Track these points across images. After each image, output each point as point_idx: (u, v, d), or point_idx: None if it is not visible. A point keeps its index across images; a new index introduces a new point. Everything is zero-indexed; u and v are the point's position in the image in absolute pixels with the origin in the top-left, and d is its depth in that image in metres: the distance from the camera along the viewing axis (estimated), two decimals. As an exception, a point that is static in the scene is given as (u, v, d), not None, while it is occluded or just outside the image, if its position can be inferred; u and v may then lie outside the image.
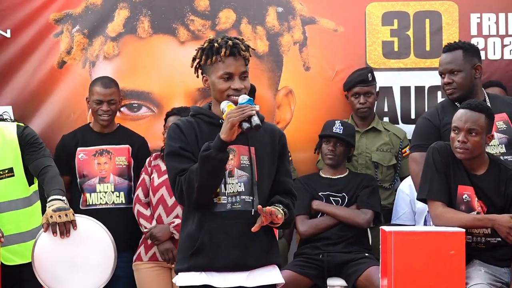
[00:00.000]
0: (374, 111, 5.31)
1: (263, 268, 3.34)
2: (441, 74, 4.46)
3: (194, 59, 3.40)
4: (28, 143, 4.05)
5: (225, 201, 3.28)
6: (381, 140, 5.22)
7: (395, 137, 5.23)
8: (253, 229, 3.24)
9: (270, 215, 3.21)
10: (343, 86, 5.30)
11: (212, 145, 3.19)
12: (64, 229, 3.69)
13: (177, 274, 3.37)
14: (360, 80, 5.19)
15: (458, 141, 3.99)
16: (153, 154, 4.91)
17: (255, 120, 3.18)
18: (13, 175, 4.04)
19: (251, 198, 3.29)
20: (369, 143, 5.22)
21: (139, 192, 4.83)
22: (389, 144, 5.21)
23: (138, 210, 4.80)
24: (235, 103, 3.26)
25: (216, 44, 3.31)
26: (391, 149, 5.21)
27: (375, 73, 5.29)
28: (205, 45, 3.35)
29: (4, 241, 3.91)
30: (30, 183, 4.09)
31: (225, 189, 3.28)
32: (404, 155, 5.20)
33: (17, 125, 4.14)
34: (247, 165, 3.29)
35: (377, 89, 5.28)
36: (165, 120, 4.90)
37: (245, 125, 3.18)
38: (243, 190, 3.29)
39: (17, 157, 4.04)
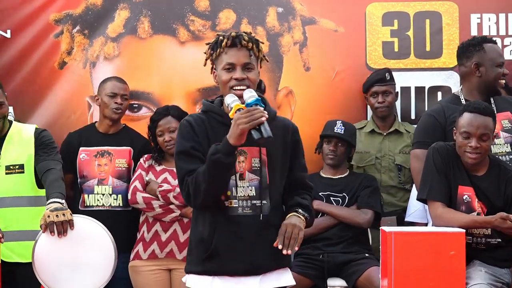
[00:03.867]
0: (395, 112, 5.29)
1: (275, 271, 3.34)
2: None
3: (207, 58, 3.39)
4: (42, 144, 4.20)
5: (236, 205, 3.26)
6: (403, 142, 5.20)
7: None
8: (275, 244, 3.21)
9: (292, 226, 3.21)
10: (362, 88, 5.29)
11: (221, 149, 3.14)
12: (61, 228, 3.72)
13: (187, 273, 3.36)
14: (378, 79, 5.19)
15: (471, 146, 3.98)
16: (146, 155, 4.88)
17: (267, 130, 3.11)
18: (23, 172, 4.14)
19: (263, 202, 3.27)
20: (392, 146, 5.19)
21: (137, 184, 4.75)
22: (411, 146, 5.18)
23: (143, 196, 4.69)
24: (240, 96, 3.22)
25: (221, 37, 3.32)
26: None
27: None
28: (213, 40, 3.35)
29: (4, 236, 3.95)
30: (42, 184, 4.12)
31: (236, 193, 3.26)
32: None
33: (36, 127, 4.32)
34: (258, 168, 3.27)
35: (397, 90, 5.26)
36: (152, 125, 4.84)
37: (256, 134, 3.11)
38: (254, 194, 3.26)
39: (30, 156, 4.17)
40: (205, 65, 3.40)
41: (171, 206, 4.66)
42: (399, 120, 5.36)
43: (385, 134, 5.22)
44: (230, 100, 3.21)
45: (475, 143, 3.97)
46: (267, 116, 3.14)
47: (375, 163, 5.15)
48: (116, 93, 4.96)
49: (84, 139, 5.00)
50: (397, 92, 5.28)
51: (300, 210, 3.29)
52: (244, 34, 3.32)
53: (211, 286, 3.27)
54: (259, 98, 3.21)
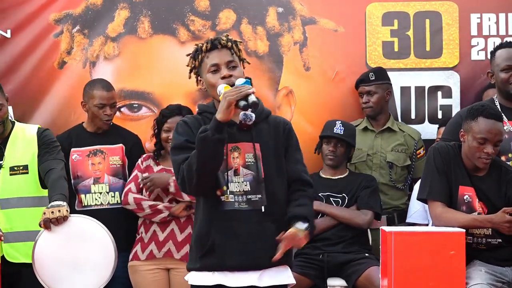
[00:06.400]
0: (389, 111, 5.29)
1: (275, 268, 3.34)
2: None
3: (191, 70, 3.46)
4: (44, 143, 4.21)
5: (233, 200, 3.28)
6: (396, 140, 5.21)
7: (410, 138, 5.21)
8: (274, 258, 3.22)
9: (292, 240, 3.22)
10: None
11: (209, 127, 3.18)
12: (57, 224, 3.74)
13: (188, 271, 3.40)
14: (361, 80, 5.22)
15: (486, 152, 3.98)
16: (144, 155, 4.88)
17: (252, 97, 3.16)
18: (27, 173, 4.16)
19: (258, 196, 3.29)
20: (384, 143, 5.20)
21: (131, 186, 4.74)
22: (404, 145, 5.19)
23: (134, 197, 4.69)
24: (232, 85, 3.26)
25: (200, 45, 3.39)
26: (406, 149, 5.19)
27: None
28: (193, 50, 3.43)
29: (10, 237, 3.97)
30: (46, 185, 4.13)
31: (232, 188, 3.29)
32: (418, 156, 5.19)
33: (39, 127, 4.33)
34: (252, 163, 3.30)
35: (389, 89, 5.23)
36: (161, 119, 4.85)
37: (242, 103, 3.15)
38: (249, 189, 3.29)
39: (33, 156, 4.18)
40: (190, 77, 3.47)
41: (159, 207, 4.65)
42: (399, 119, 5.37)
43: (377, 131, 5.22)
44: (221, 86, 3.28)
45: (491, 150, 3.98)
46: (254, 91, 3.19)
47: (366, 160, 5.15)
48: (104, 104, 4.91)
49: (74, 140, 4.96)
50: (389, 91, 5.25)
51: (300, 222, 3.27)
52: (221, 37, 3.39)
53: (211, 280, 3.29)
54: (248, 80, 3.27)
